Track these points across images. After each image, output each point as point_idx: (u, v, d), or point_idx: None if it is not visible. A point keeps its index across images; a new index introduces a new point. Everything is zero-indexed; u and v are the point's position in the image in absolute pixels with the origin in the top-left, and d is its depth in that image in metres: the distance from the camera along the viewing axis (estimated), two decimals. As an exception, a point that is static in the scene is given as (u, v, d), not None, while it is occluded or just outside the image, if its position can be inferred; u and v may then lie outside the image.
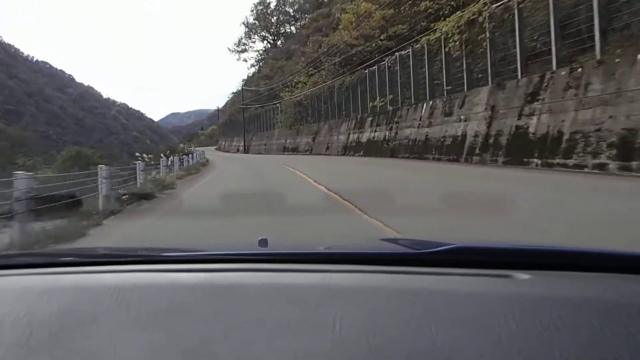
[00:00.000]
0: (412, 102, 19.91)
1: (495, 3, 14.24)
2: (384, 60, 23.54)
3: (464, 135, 15.06)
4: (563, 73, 11.27)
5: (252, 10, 73.59)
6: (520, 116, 12.51)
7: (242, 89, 56.65)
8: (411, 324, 0.63)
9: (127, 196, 8.54)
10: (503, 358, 0.56)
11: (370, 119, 24.17)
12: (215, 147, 69.39)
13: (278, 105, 41.63)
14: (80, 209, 6.67)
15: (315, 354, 0.58)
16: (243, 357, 0.58)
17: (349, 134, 26.62)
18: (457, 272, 0.82)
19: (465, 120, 15.28)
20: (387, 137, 21.42)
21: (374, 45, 26.81)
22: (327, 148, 29.58)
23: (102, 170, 7.86)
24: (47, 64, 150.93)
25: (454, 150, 15.50)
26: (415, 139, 18.58)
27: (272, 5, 68.07)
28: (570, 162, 10.24)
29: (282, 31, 69.07)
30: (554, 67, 11.74)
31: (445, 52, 17.18)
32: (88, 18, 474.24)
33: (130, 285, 0.79)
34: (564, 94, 11.00)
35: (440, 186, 8.93)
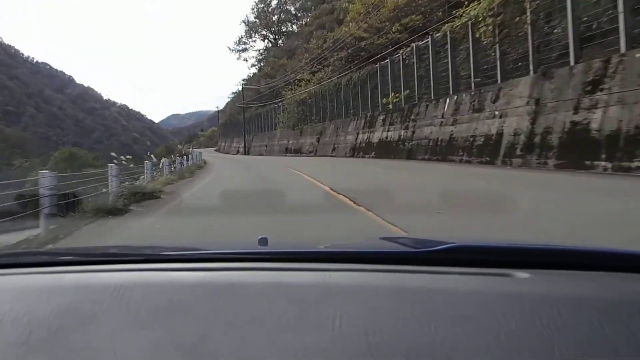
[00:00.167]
0: (432, 97, 17.63)
1: (539, -22, 11.99)
2: (398, 53, 21.28)
3: (500, 134, 12.77)
4: (638, 55, 9.00)
5: (253, 9, 71.55)
6: (577, 110, 10.22)
7: (243, 87, 54.24)
8: (411, 322, 0.63)
9: (76, 213, 6.26)
10: (503, 356, 0.55)
11: (382, 117, 21.89)
12: (214, 148, 67.17)
13: (280, 104, 39.29)
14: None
15: (315, 352, 0.57)
16: (243, 356, 0.57)
17: (358, 134, 24.33)
18: (457, 271, 0.81)
19: (500, 117, 12.99)
20: (402, 136, 19.14)
21: (385, 38, 24.51)
22: (334, 149, 27.28)
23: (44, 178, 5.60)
24: (47, 64, 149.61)
25: (487, 151, 13.21)
26: (437, 139, 16.29)
27: (274, 4, 65.88)
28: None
29: (283, 30, 66.88)
30: (623, 49, 9.46)
31: (472, 39, 14.91)
32: (88, 19, 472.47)
33: (130, 284, 0.78)
34: (641, 80, 8.75)
35: (501, 198, 6.65)
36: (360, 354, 0.56)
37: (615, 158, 8.88)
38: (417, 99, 18.95)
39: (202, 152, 33.09)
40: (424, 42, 18.82)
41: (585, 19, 10.74)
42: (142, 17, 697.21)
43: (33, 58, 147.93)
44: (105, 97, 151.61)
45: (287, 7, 65.70)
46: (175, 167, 17.07)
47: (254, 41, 69.20)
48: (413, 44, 19.40)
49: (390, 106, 21.28)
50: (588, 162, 9.51)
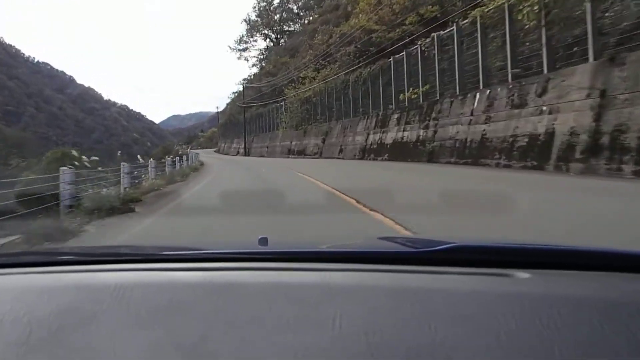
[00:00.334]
0: (457, 92, 15.39)
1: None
2: (415, 45, 19.03)
3: (550, 133, 10.52)
4: None
5: (255, 7, 69.36)
6: (664, 102, 7.99)
7: (243, 85, 51.90)
8: (411, 322, 0.62)
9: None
10: (503, 356, 0.54)
11: (396, 115, 19.63)
12: (214, 149, 64.89)
13: (282, 103, 36.99)
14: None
15: (314, 352, 0.56)
16: (243, 356, 0.57)
17: (368, 134, 22.07)
18: (457, 271, 0.80)
19: (550, 113, 10.74)
20: (422, 137, 16.87)
21: (399, 30, 22.25)
22: (341, 151, 25.01)
23: None
24: (48, 64, 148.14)
25: (532, 154, 10.96)
26: (466, 139, 14.02)
27: (275, 2, 63.62)
28: None
29: (285, 29, 64.62)
30: None
31: (510, 24, 12.68)
32: (89, 19, 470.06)
33: (130, 283, 0.77)
34: None
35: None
36: (360, 354, 0.55)
37: None
38: (438, 95, 16.70)
39: (199, 153, 30.76)
40: (446, 31, 16.58)
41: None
42: (143, 17, 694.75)
43: (34, 58, 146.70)
44: (105, 97, 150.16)
45: (289, 5, 63.51)
46: (166, 170, 14.81)
47: (255, 40, 66.89)
48: (434, 34, 17.14)
49: (406, 104, 19.03)
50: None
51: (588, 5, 10.07)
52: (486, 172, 11.23)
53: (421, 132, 17.01)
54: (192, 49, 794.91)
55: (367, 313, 0.64)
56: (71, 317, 0.66)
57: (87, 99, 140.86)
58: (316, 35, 34.86)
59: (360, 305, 0.67)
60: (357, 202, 6.53)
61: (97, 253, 1.14)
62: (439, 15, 20.24)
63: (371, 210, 5.66)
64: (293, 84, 34.41)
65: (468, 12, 15.57)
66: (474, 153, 13.44)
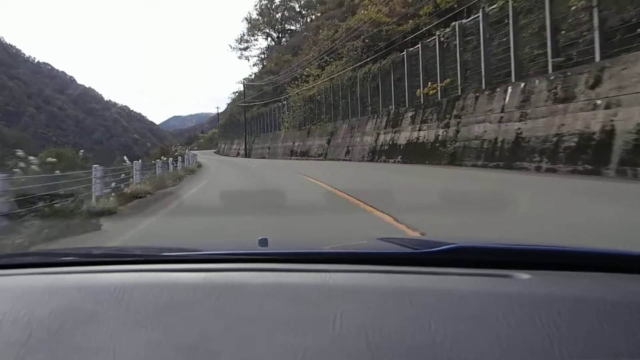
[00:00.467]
0: (483, 87, 13.62)
1: None
2: (432, 36, 17.27)
3: (610, 131, 8.73)
4: None
5: (256, 5, 67.70)
6: None
7: (244, 84, 49.99)
8: (411, 322, 0.62)
9: None
10: (503, 356, 0.54)
11: (410, 114, 17.86)
12: (214, 150, 63.09)
13: (285, 102, 35.19)
14: None
15: (314, 352, 0.56)
16: (242, 356, 0.56)
17: (379, 134, 20.29)
18: (457, 271, 0.80)
19: (607, 107, 8.97)
20: (441, 137, 15.09)
21: (411, 22, 20.47)
22: (348, 152, 23.22)
23: None
24: (49, 65, 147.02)
25: (584, 156, 9.18)
26: (495, 139, 12.24)
27: (277, 1, 61.82)
28: None
29: (287, 28, 62.87)
30: None
31: (550, 5, 10.92)
32: (90, 20, 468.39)
33: (130, 284, 0.77)
34: None
35: None
36: (361, 355, 0.55)
37: None
38: (460, 91, 14.92)
39: (196, 154, 28.96)
40: (469, 19, 14.81)
41: None
42: (145, 19, 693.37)
43: (34, 58, 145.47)
44: (106, 98, 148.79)
45: (291, 3, 61.73)
46: (157, 172, 13.03)
47: (256, 40, 65.10)
48: (455, 23, 15.36)
49: (421, 101, 17.26)
50: None
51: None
52: (530, 178, 9.44)
53: (440, 131, 15.22)
54: (193, 50, 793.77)
55: (367, 313, 0.63)
56: (71, 318, 0.65)
57: (88, 99, 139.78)
58: (320, 30, 33.02)
59: (360, 305, 0.66)
60: (396, 220, 4.77)
61: (98, 254, 1.13)
62: (456, 6, 18.46)
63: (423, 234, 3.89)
64: (296, 82, 32.59)
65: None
66: (506, 155, 11.65)
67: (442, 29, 16.46)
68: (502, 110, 12.28)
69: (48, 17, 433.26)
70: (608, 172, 8.54)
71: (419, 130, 16.76)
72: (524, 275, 0.76)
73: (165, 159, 17.04)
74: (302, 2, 61.08)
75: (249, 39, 63.56)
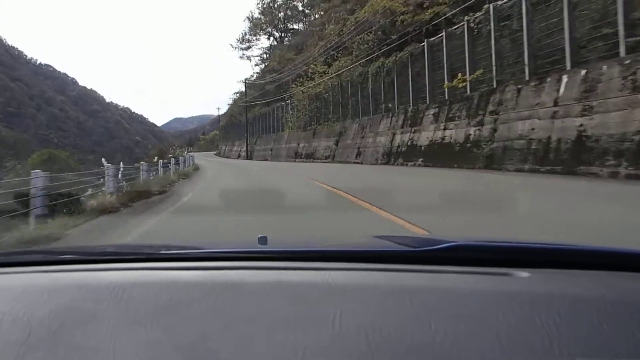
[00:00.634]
0: (527, 77, 11.42)
1: None
2: (457, 23, 15.07)
3: None
4: None
5: (258, 4, 65.58)
6: None
7: (246, 83, 47.69)
8: (411, 321, 0.61)
9: None
10: (502, 355, 0.54)
11: (432, 111, 15.65)
12: (214, 152, 60.89)
13: (288, 101, 32.94)
14: None
15: (314, 351, 0.55)
16: (242, 354, 0.56)
17: (394, 134, 18.08)
18: (457, 269, 0.79)
19: None
20: (473, 136, 12.88)
21: (430, 11, 18.26)
22: (359, 154, 21.00)
23: None
24: (51, 66, 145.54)
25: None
26: (548, 138, 10.02)
27: (280, 0, 59.64)
28: None
29: (289, 28, 60.68)
30: None
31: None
32: (93, 21, 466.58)
33: (130, 283, 0.76)
34: None
35: None
36: (361, 353, 0.54)
37: None
38: (495, 83, 12.72)
39: (193, 156, 26.74)
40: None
41: None
42: (147, 20, 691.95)
43: (36, 60, 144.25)
44: (108, 99, 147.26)
45: (294, 3, 59.54)
46: (141, 178, 10.81)
47: (258, 39, 62.86)
48: (489, 4, 13.16)
49: (446, 96, 15.06)
50: None
51: None
52: (622, 190, 7.23)
53: (472, 130, 13.01)
54: (195, 52, 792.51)
55: (367, 312, 0.63)
56: (71, 317, 0.65)
57: (89, 101, 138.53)
58: (327, 25, 30.78)
59: (360, 304, 0.65)
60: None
61: (97, 252, 1.11)
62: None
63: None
64: (300, 79, 30.35)
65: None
66: (565, 157, 9.43)
67: (471, 14, 14.26)
68: (556, 104, 10.07)
69: (50, 18, 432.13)
70: None
71: (444, 129, 14.54)
72: (523, 273, 0.75)
73: (156, 161, 14.88)
74: (305, 1, 58.92)
75: (250, 38, 61.42)
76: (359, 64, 22.54)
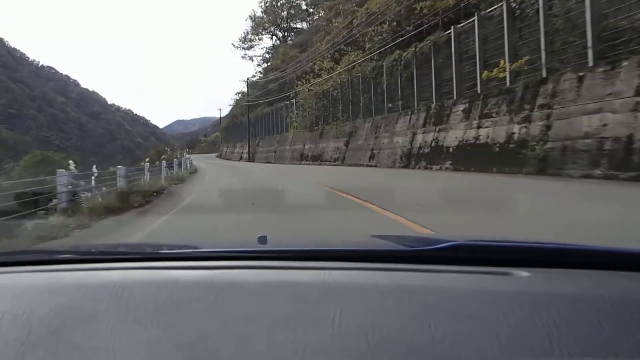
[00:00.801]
0: (590, 62, 9.25)
1: None
2: (483, 10, 12.91)
3: None
4: None
5: (261, 3, 63.48)
6: None
7: (248, 82, 45.39)
8: (411, 320, 0.60)
9: None
10: (502, 354, 0.53)
11: (462, 106, 13.48)
12: (216, 154, 58.75)
13: (293, 100, 30.74)
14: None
15: (314, 351, 0.54)
16: (242, 353, 0.55)
17: (414, 134, 15.91)
18: (457, 269, 0.78)
19: None
20: (518, 135, 10.69)
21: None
22: (372, 156, 18.83)
23: None
24: (53, 68, 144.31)
25: None
26: (630, 137, 7.85)
27: (283, -1, 57.48)
28: None
29: (293, 27, 58.55)
30: None
31: None
32: (95, 23, 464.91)
33: (129, 282, 0.75)
34: None
35: None
36: (360, 352, 0.54)
37: None
38: (545, 71, 10.55)
39: (190, 158, 24.59)
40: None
41: None
42: (149, 22, 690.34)
43: (38, 62, 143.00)
44: (109, 101, 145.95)
45: (298, 1, 57.41)
46: (118, 185, 8.65)
47: (261, 39, 60.69)
48: (536, -21, 10.98)
49: (478, 89, 12.90)
50: None
51: None
52: None
53: (516, 127, 10.83)
54: (197, 55, 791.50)
55: (367, 311, 0.62)
56: (71, 316, 0.64)
57: (91, 102, 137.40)
58: (333, 20, 28.57)
59: (360, 303, 0.64)
60: None
61: (97, 252, 1.09)
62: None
63: None
64: (306, 76, 28.17)
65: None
66: (657, 160, 7.25)
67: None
68: (638, 93, 7.90)
69: (52, 20, 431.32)
70: None
71: (478, 127, 12.37)
72: (523, 273, 0.74)
73: (144, 164, 12.76)
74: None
75: (253, 38, 59.28)
76: (372, 57, 20.37)
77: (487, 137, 11.85)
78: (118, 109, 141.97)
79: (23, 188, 6.65)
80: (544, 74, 10.49)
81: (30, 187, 6.91)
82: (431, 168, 14.16)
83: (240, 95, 55.30)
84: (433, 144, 14.52)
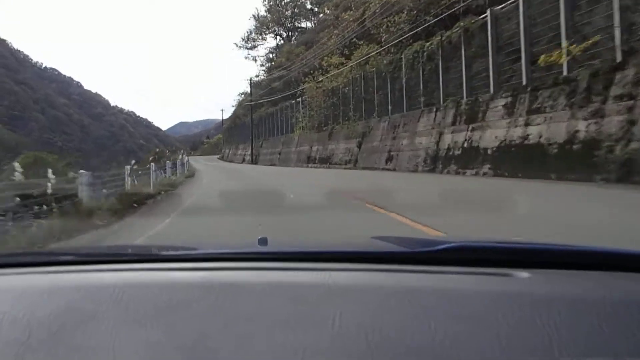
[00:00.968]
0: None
1: None
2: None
3: None
4: None
5: (264, 2, 61.47)
6: None
7: (251, 81, 43.19)
8: (411, 321, 0.60)
9: None
10: (502, 355, 0.53)
11: (502, 101, 11.37)
12: (218, 156, 56.74)
13: (299, 99, 28.65)
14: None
15: (314, 351, 0.54)
16: (241, 353, 0.55)
17: (441, 133, 13.80)
18: (457, 270, 0.77)
19: None
20: (583, 133, 8.58)
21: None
22: (390, 159, 16.70)
23: None
24: (56, 70, 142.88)
25: None
26: None
27: (287, -3, 55.45)
28: None
29: (297, 26, 56.53)
30: None
31: None
32: (98, 26, 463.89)
33: (129, 283, 0.75)
34: None
35: None
36: (360, 354, 0.53)
37: None
38: (620, 54, 8.44)
39: (188, 160, 22.54)
40: None
41: None
42: (151, 24, 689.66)
43: (42, 64, 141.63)
44: (112, 103, 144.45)
45: (302, 0, 55.38)
46: (82, 195, 6.55)
47: (264, 38, 58.65)
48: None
49: (524, 80, 10.80)
50: None
51: None
52: None
53: (580, 124, 8.72)
54: (200, 56, 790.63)
55: (367, 312, 0.62)
56: (71, 317, 0.64)
57: (94, 104, 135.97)
58: (344, 13, 26.45)
59: (360, 304, 0.64)
60: None
61: (97, 253, 1.10)
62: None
63: None
64: (313, 73, 26.07)
65: None
66: None
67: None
68: None
69: (54, 21, 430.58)
70: None
71: (526, 124, 10.26)
72: (523, 274, 0.73)
73: (132, 166, 10.74)
74: (314, -1, 54.71)
75: (256, 37, 57.22)
76: (388, 50, 18.28)
77: (540, 137, 9.74)
78: (121, 110, 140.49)
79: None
80: (618, 58, 8.39)
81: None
82: (464, 173, 12.05)
83: (243, 95, 53.30)
84: (465, 145, 12.41)
